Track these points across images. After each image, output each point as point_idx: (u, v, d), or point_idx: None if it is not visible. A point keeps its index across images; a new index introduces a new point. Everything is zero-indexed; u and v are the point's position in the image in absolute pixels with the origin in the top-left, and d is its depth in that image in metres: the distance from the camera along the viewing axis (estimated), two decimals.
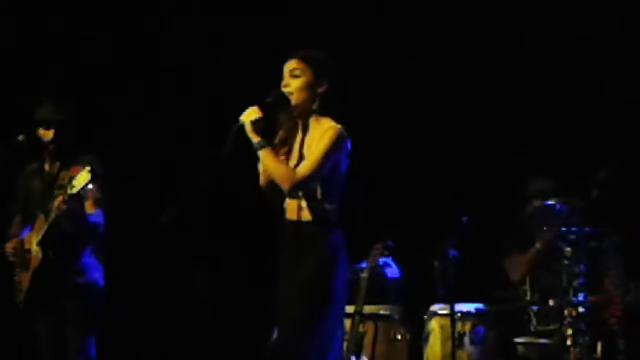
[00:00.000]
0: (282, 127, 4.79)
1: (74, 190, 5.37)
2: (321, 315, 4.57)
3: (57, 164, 5.78)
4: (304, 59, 4.72)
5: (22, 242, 5.74)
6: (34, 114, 5.77)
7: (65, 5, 7.76)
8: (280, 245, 4.76)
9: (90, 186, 5.36)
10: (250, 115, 4.61)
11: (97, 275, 5.78)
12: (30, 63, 7.63)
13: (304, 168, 4.61)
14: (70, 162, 5.69)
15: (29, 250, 5.68)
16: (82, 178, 5.35)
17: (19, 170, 5.95)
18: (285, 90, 4.69)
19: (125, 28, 7.85)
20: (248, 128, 4.61)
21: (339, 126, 4.65)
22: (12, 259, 5.74)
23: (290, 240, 4.70)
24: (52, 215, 5.49)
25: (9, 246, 5.75)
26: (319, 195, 4.65)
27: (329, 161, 4.61)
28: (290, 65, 4.72)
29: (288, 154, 4.77)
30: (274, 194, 4.78)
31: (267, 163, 4.62)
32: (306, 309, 4.58)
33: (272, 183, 4.74)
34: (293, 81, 4.70)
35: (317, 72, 4.70)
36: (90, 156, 5.73)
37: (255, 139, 4.61)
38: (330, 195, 4.68)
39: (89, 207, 5.67)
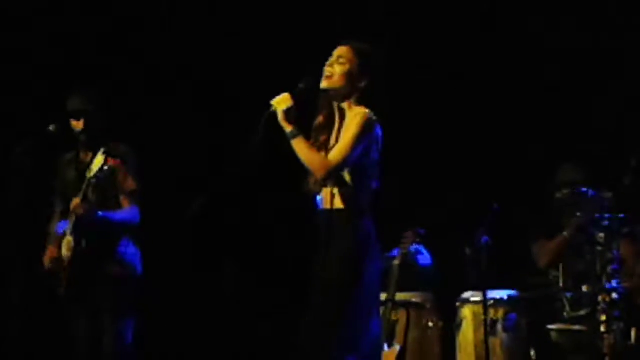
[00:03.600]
0: (320, 113, 4.80)
1: (92, 175, 5.42)
2: (348, 304, 4.54)
3: (90, 154, 5.81)
4: (354, 49, 4.74)
5: (60, 237, 5.76)
6: (64, 105, 5.81)
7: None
8: (316, 235, 4.75)
9: (105, 168, 5.39)
10: (282, 103, 4.61)
11: (136, 263, 5.80)
12: (63, 56, 7.69)
13: (335, 155, 4.59)
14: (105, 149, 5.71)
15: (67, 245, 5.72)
16: (97, 161, 5.43)
17: (56, 161, 5.98)
18: (327, 70, 4.71)
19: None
20: (280, 117, 4.60)
21: (367, 111, 4.64)
22: (48, 266, 5.77)
23: (323, 229, 4.69)
24: (74, 215, 5.56)
25: (45, 258, 5.78)
26: (349, 182, 4.65)
27: (358, 146, 4.59)
28: (340, 51, 4.75)
29: (327, 141, 4.76)
30: (316, 187, 4.77)
31: (300, 152, 4.60)
32: (333, 298, 4.56)
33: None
34: (337, 67, 4.71)
35: (363, 65, 4.71)
36: (124, 147, 5.76)
37: (288, 128, 4.60)
38: (362, 182, 4.66)
39: (124, 202, 5.71)
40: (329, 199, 4.69)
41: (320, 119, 4.80)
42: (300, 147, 4.60)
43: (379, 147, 4.69)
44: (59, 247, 5.73)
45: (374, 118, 4.65)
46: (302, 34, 7.55)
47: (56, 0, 7.77)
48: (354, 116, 4.64)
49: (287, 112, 4.60)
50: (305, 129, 4.73)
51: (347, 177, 4.64)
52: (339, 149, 4.60)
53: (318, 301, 4.61)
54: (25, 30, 7.71)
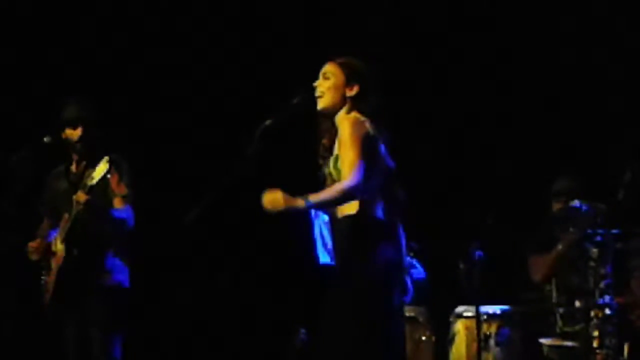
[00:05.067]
0: (324, 135, 4.81)
1: (94, 182, 5.41)
2: (352, 311, 4.52)
3: (83, 164, 5.81)
4: (337, 63, 4.79)
5: (49, 244, 5.76)
6: (59, 114, 5.80)
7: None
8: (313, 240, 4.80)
9: (109, 175, 5.38)
10: (276, 204, 4.51)
11: (122, 276, 5.80)
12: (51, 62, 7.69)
13: (347, 174, 4.53)
14: (97, 161, 5.71)
15: (54, 253, 5.70)
16: (100, 168, 5.40)
17: (46, 172, 5.98)
18: (317, 91, 4.75)
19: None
20: (287, 209, 4.51)
21: (351, 115, 4.67)
22: (32, 257, 5.76)
23: (334, 238, 4.73)
24: (74, 210, 5.53)
25: (31, 245, 5.77)
26: None
27: (361, 151, 4.55)
28: (325, 68, 4.80)
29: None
30: None
31: (324, 203, 4.57)
32: (338, 305, 4.55)
33: None
34: (323, 82, 4.76)
35: (349, 75, 4.74)
36: (116, 154, 5.76)
37: (299, 204, 4.51)
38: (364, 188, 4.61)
39: (117, 204, 5.70)
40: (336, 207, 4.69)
41: (324, 142, 4.80)
42: (319, 201, 4.54)
43: (375, 146, 4.66)
44: (47, 250, 5.74)
45: (360, 119, 4.65)
46: (301, 40, 7.57)
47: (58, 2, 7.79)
48: (342, 127, 4.64)
49: (289, 203, 4.52)
50: (302, 145, 4.74)
51: None
52: (347, 166, 4.55)
53: (332, 310, 4.59)
54: (25, 32, 7.73)
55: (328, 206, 4.63)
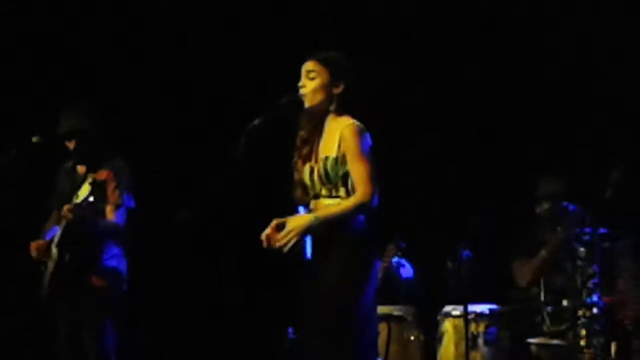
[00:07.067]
0: (302, 127, 4.79)
1: (78, 200, 5.47)
2: (349, 313, 4.53)
3: (85, 167, 5.84)
4: (320, 61, 4.73)
5: (50, 242, 5.78)
6: (57, 122, 5.81)
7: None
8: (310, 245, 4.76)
9: (91, 199, 5.40)
10: (290, 237, 4.54)
11: (120, 275, 5.82)
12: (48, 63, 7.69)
13: (362, 188, 4.56)
14: (98, 165, 5.74)
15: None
16: (84, 190, 5.47)
17: (57, 168, 6.00)
18: (301, 91, 4.71)
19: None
20: (301, 233, 4.56)
21: (354, 122, 4.64)
22: (33, 254, 5.78)
23: (317, 240, 4.68)
24: (63, 220, 5.57)
25: (33, 247, 5.80)
26: (342, 192, 4.65)
27: (369, 157, 4.59)
28: (307, 66, 4.74)
29: (310, 153, 4.76)
30: (303, 197, 4.79)
31: (335, 218, 4.57)
32: (333, 308, 4.54)
33: (303, 190, 4.76)
34: (309, 83, 4.72)
35: (334, 73, 4.71)
36: (120, 161, 5.80)
37: (310, 223, 4.56)
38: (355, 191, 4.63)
39: (109, 212, 5.73)
40: (323, 209, 4.67)
41: (302, 134, 4.79)
42: (331, 217, 4.57)
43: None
44: (47, 248, 5.76)
45: (362, 126, 4.64)
46: (293, 38, 7.57)
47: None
48: (348, 137, 4.61)
49: (301, 230, 4.55)
50: (291, 143, 4.77)
51: (341, 188, 4.64)
52: (360, 179, 4.57)
53: (317, 313, 4.58)
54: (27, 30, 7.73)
55: (338, 220, 4.59)
